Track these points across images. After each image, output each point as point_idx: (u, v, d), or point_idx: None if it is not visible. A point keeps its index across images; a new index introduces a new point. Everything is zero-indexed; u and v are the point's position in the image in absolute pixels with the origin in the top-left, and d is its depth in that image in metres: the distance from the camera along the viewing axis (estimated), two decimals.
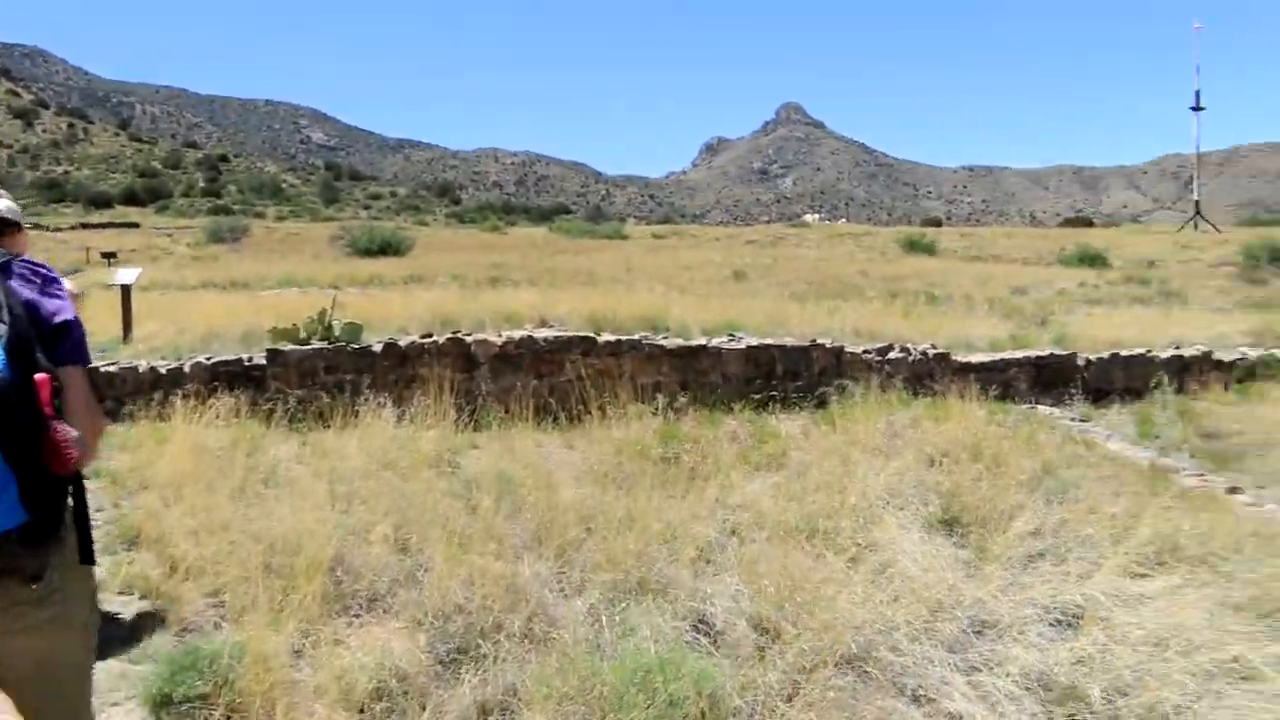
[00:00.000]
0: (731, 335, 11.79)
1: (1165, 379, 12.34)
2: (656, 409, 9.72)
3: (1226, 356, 13.51)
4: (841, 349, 11.59)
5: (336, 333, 10.77)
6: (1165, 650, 4.75)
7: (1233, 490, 8.17)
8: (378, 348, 10.50)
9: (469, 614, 5.13)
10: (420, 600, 5.26)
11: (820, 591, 5.34)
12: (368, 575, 5.52)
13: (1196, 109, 77.36)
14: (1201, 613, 5.13)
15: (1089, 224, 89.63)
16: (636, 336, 11.20)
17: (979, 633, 5.10)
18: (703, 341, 11.37)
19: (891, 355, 11.70)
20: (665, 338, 11.43)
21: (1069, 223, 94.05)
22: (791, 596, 5.29)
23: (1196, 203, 72.33)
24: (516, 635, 5.02)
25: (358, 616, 5.18)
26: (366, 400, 9.42)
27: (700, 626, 5.19)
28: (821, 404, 10.58)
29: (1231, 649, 4.78)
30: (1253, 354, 13.77)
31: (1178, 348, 13.52)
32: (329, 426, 9.12)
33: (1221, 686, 4.53)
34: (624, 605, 5.30)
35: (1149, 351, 13.12)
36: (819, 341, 11.60)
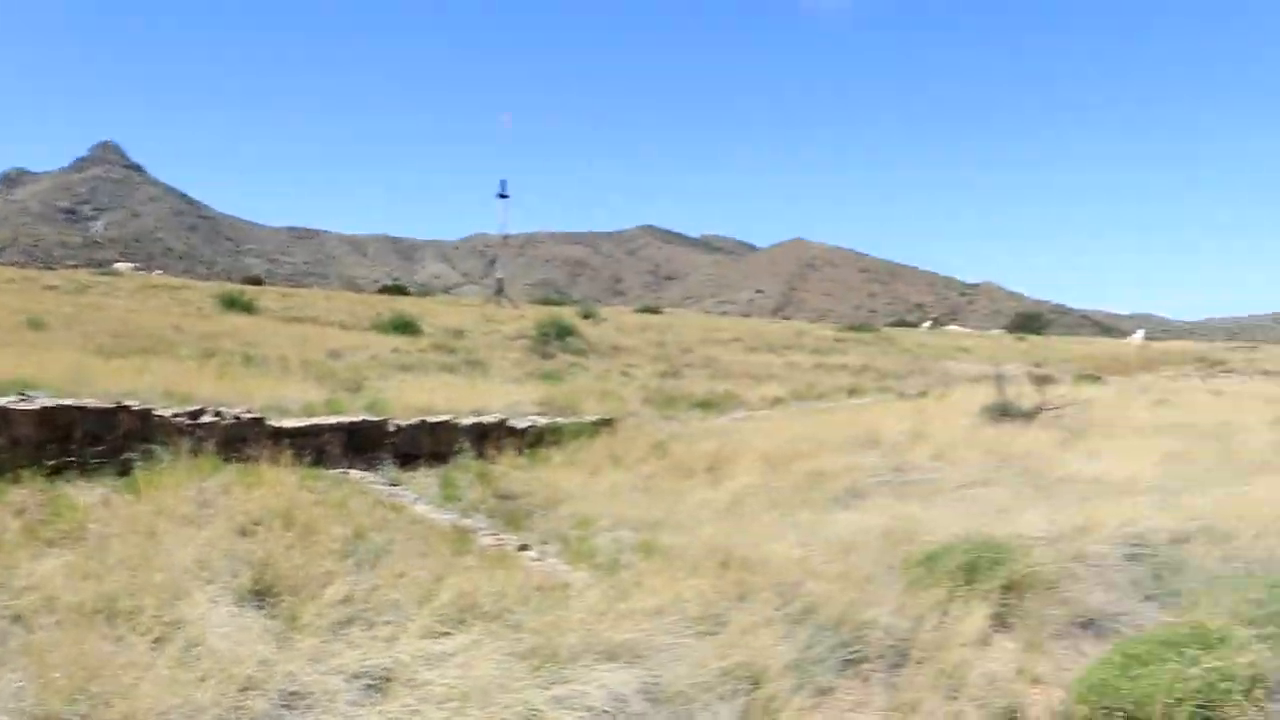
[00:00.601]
0: (23, 394, 10.54)
1: (467, 444, 13.46)
2: None
3: (520, 424, 14.99)
4: (150, 411, 10.91)
5: None
6: (467, 704, 5.10)
7: (522, 548, 9.06)
8: None
9: None
10: None
11: (121, 678, 4.95)
12: None
13: (503, 196, 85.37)
14: (496, 665, 5.59)
15: (404, 292, 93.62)
16: None
17: (289, 706, 5.06)
18: None
19: (204, 419, 11.26)
20: None
21: (386, 290, 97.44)
22: (86, 687, 4.85)
23: (500, 280, 79.59)
24: None
25: None
26: None
27: None
28: (126, 471, 9.85)
29: (521, 695, 5.26)
30: (541, 421, 15.42)
31: (479, 415, 14.74)
32: None
33: None
34: None
35: (454, 418, 14.15)
36: (125, 403, 10.82)
